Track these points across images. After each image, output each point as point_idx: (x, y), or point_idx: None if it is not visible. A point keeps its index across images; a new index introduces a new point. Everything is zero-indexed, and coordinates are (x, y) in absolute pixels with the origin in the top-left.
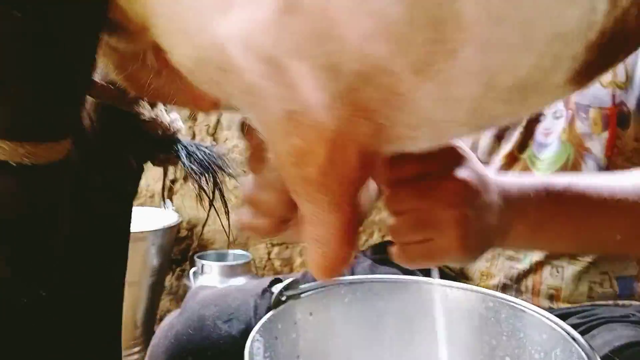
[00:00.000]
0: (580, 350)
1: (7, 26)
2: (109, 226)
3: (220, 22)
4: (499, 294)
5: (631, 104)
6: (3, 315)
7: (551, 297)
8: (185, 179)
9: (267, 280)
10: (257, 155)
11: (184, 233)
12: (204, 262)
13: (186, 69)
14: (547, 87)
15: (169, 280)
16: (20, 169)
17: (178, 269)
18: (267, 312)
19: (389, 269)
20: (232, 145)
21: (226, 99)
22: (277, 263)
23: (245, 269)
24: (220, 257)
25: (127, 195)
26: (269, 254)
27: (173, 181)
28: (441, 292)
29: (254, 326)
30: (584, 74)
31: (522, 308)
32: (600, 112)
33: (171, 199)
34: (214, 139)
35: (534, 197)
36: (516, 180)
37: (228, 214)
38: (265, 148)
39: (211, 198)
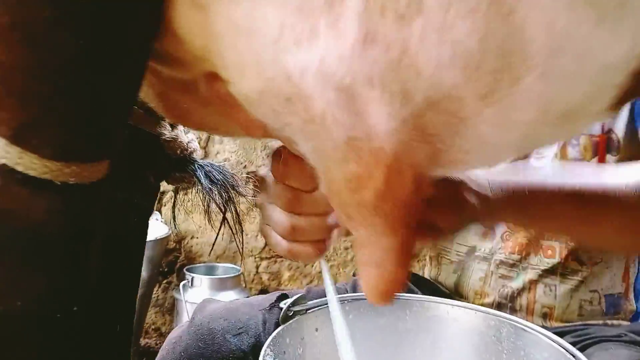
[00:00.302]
0: None
1: (70, 51)
2: (128, 243)
3: (295, 54)
4: (499, 312)
5: (619, 130)
6: (37, 331)
7: (545, 316)
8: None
9: (273, 295)
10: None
11: (171, 245)
12: (193, 275)
13: (248, 99)
14: (589, 113)
15: (155, 292)
16: (65, 187)
17: (164, 281)
18: (275, 326)
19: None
20: (223, 158)
21: (280, 128)
22: (265, 277)
23: (235, 282)
24: (209, 270)
25: (145, 212)
26: (257, 267)
27: (162, 193)
28: (442, 310)
29: (262, 340)
30: (620, 101)
31: (523, 327)
32: (590, 139)
33: (160, 211)
34: (205, 152)
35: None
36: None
37: (242, 231)
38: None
39: (224, 215)
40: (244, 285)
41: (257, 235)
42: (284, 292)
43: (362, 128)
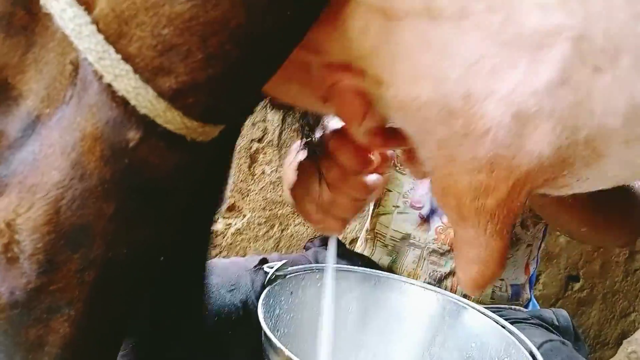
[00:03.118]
0: (517, 342)
1: (275, 23)
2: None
3: (486, 79)
4: (446, 292)
5: None
6: (131, 277)
7: (464, 296)
8: None
9: (254, 258)
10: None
11: None
12: None
13: (399, 102)
14: None
15: None
16: (192, 145)
17: None
18: (261, 287)
19: (341, 261)
20: None
21: (417, 131)
22: None
23: None
24: None
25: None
26: None
27: None
28: (397, 286)
29: (251, 297)
30: None
31: (464, 305)
32: None
33: None
34: None
35: None
36: None
37: None
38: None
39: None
40: None
41: None
42: (264, 256)
43: (514, 148)
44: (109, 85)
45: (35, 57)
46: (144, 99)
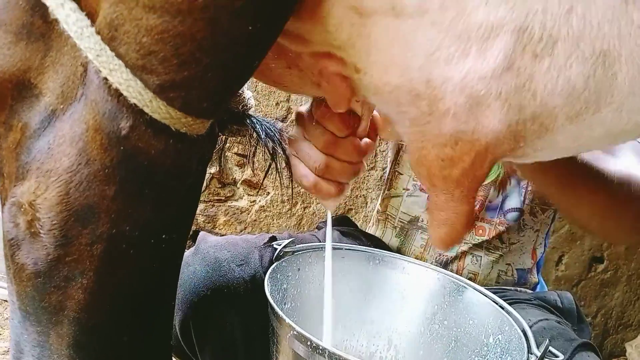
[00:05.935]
0: (511, 320)
1: (238, 35)
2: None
3: (443, 67)
4: (445, 270)
5: None
6: (136, 252)
7: (470, 279)
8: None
9: (264, 236)
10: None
11: None
12: None
13: (376, 88)
14: (632, 136)
15: None
16: (178, 135)
17: None
18: (269, 263)
19: (350, 241)
20: None
21: (393, 111)
22: (201, 219)
23: None
24: None
25: (207, 160)
26: None
27: None
28: (399, 264)
29: (260, 272)
30: None
31: (464, 285)
32: None
33: None
34: None
35: None
36: None
37: (291, 180)
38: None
39: (269, 165)
40: None
41: None
42: (273, 234)
43: (472, 125)
44: (106, 80)
45: (53, 60)
46: (134, 89)
